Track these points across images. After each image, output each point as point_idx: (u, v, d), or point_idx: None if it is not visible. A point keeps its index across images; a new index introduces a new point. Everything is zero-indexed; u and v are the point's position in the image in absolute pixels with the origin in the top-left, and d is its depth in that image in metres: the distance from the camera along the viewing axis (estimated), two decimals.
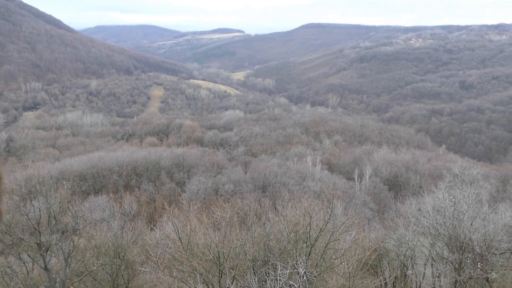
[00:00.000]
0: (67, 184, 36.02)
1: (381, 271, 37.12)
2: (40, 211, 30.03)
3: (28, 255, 29.77)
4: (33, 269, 30.96)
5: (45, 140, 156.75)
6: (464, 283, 31.13)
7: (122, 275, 32.61)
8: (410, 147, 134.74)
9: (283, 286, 14.27)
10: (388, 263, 38.54)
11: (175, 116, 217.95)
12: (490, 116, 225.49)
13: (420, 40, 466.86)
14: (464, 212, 32.59)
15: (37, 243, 28.71)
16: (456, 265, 31.70)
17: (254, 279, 14.86)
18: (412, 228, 38.06)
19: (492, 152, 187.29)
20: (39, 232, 28.93)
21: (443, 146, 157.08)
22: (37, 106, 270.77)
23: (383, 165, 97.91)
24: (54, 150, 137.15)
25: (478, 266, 31.55)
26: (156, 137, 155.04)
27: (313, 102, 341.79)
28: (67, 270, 29.83)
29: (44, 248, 29.11)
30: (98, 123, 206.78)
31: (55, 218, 30.82)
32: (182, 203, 55.41)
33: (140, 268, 32.19)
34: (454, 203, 33.69)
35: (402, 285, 36.92)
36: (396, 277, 37.30)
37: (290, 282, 14.35)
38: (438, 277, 36.34)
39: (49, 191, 32.07)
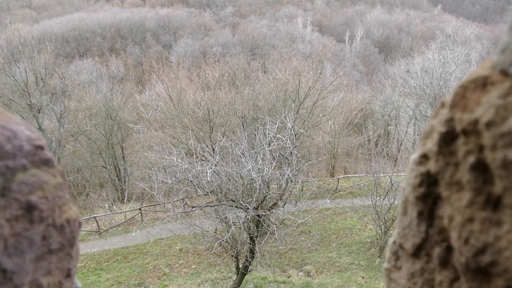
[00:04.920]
0: (50, 46, 34.81)
1: (365, 129, 38.69)
2: (26, 73, 29.55)
3: (20, 116, 30.15)
4: None
5: (19, 0, 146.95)
6: None
7: (116, 135, 33.62)
8: (405, 7, 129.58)
9: (272, 139, 14.87)
10: (373, 123, 40.03)
11: None
12: None
13: None
14: (452, 72, 32.82)
15: (28, 104, 28.87)
16: None
17: (244, 134, 15.42)
18: (399, 90, 38.66)
19: (488, 12, 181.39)
20: (28, 93, 28.87)
21: (439, 6, 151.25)
22: None
23: (375, 27, 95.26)
24: (30, 11, 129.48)
25: None
26: None
27: None
28: (61, 130, 30.58)
29: (35, 110, 29.38)
30: None
31: (42, 80, 30.49)
32: (170, 65, 54.69)
33: (132, 127, 33.05)
34: (443, 64, 33.73)
35: (384, 142, 38.87)
36: (379, 135, 39.09)
37: (279, 135, 14.93)
38: (419, 134, 38.14)
39: (33, 52, 31.15)
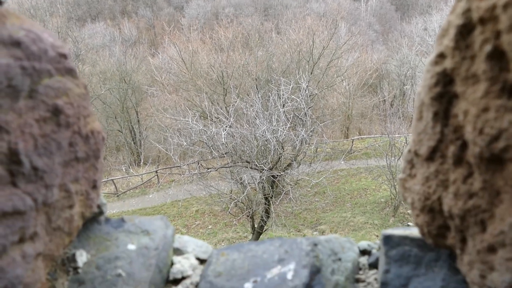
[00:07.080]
0: (62, 9, 34.54)
1: (380, 90, 38.08)
2: None
3: None
4: None
5: None
6: None
7: (130, 99, 33.71)
8: None
9: (286, 100, 14.79)
10: (388, 83, 39.31)
11: None
12: None
13: None
14: None
15: None
16: None
17: (258, 95, 15.34)
18: (416, 48, 37.69)
19: None
20: None
21: None
22: None
23: None
24: None
25: None
26: None
27: None
28: None
29: None
30: None
31: None
32: (182, 28, 54.02)
33: (147, 90, 33.04)
34: None
35: (399, 102, 38.31)
36: (394, 96, 38.50)
37: (293, 96, 14.82)
38: None
39: (45, 16, 31.00)
